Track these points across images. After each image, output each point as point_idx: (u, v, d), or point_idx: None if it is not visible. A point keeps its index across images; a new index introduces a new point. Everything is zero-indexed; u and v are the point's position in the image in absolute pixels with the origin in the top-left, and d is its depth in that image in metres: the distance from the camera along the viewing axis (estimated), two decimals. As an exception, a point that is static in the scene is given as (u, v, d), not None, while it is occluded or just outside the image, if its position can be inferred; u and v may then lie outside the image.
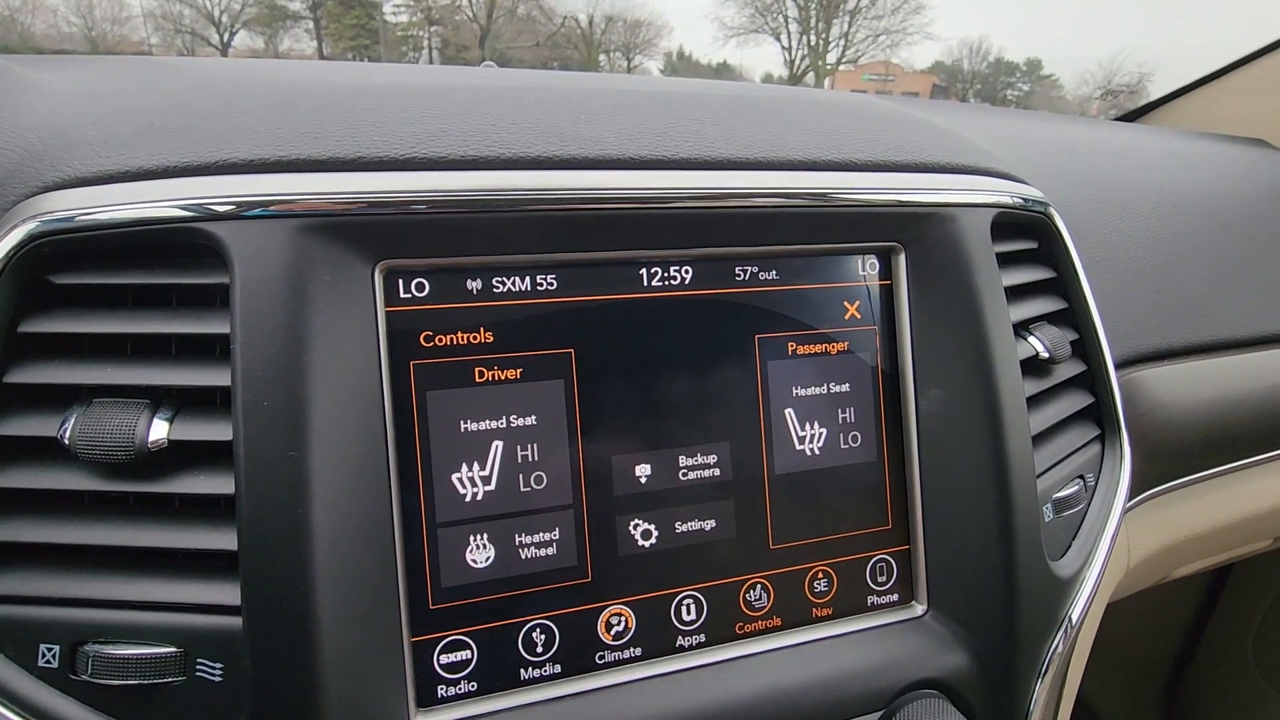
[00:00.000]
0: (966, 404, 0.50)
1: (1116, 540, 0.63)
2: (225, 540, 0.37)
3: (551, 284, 0.45)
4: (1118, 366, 0.66)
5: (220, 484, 0.37)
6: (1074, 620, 0.53)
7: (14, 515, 0.38)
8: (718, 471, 0.48)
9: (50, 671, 0.36)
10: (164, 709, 0.36)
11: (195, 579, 0.37)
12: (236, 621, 0.36)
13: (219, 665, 0.36)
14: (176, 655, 0.36)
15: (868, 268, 0.52)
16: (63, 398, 0.39)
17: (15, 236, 0.38)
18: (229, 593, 0.36)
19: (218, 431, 0.37)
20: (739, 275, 0.49)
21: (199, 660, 0.36)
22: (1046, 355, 0.56)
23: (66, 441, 0.37)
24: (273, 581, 0.36)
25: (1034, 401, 0.55)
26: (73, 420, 0.37)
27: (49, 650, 0.36)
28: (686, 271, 0.48)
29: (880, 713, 0.47)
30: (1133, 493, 0.71)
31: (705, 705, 0.45)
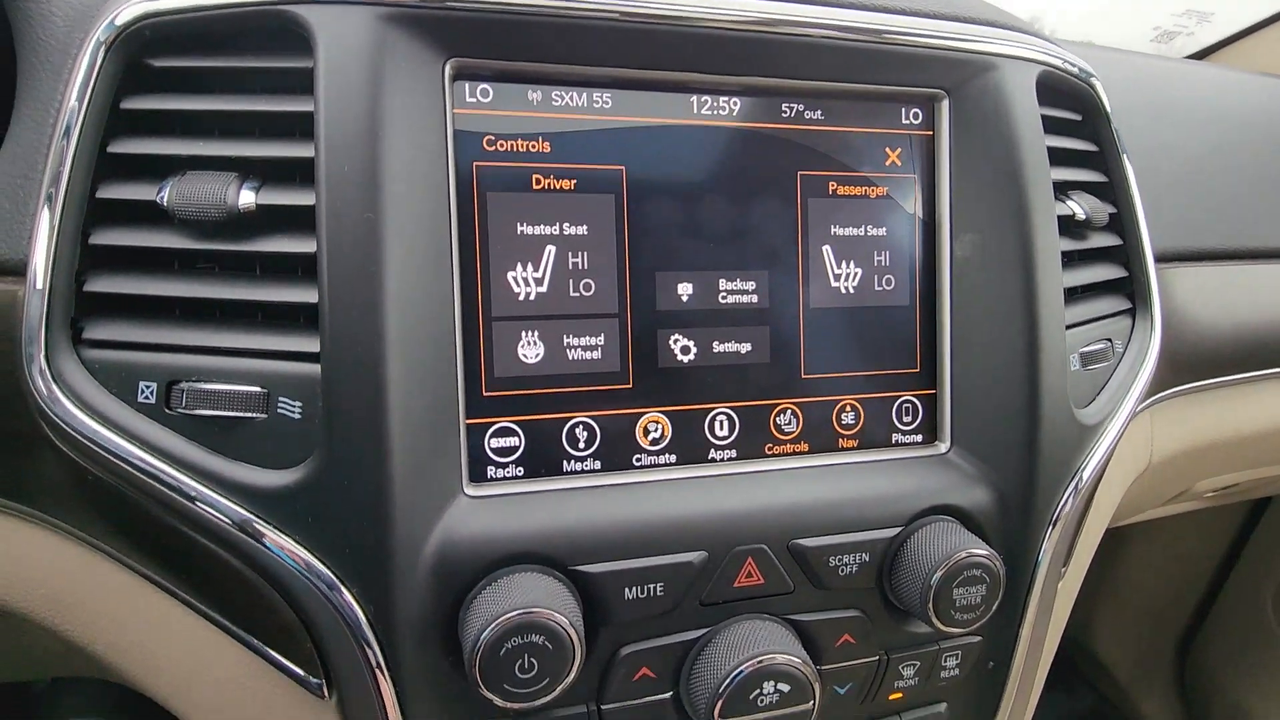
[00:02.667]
0: (1001, 248, 0.52)
1: (1140, 411, 0.65)
2: (306, 294, 0.40)
3: (606, 102, 0.47)
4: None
5: (303, 244, 0.40)
6: (1085, 478, 0.54)
7: (118, 270, 0.42)
8: (755, 298, 0.51)
9: (149, 406, 0.40)
10: (248, 442, 0.40)
11: (278, 330, 0.41)
12: (315, 368, 0.40)
13: (298, 404, 0.40)
14: (260, 395, 0.40)
15: (910, 117, 0.53)
16: (159, 170, 0.42)
17: (123, 17, 0.41)
18: (309, 342, 0.40)
19: (301, 198, 0.41)
20: (785, 112, 0.51)
21: (280, 399, 0.40)
22: (1083, 217, 0.57)
23: (165, 204, 0.41)
24: (349, 332, 0.39)
25: (1067, 260, 0.56)
26: (169, 186, 0.41)
27: (148, 387, 0.40)
28: (734, 103, 0.50)
29: (900, 529, 0.50)
30: (1158, 388, 0.72)
31: (735, 509, 0.48)
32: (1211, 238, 0.75)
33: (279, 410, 0.40)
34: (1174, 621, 1.80)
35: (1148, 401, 0.71)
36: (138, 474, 0.39)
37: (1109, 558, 1.78)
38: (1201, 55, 1.35)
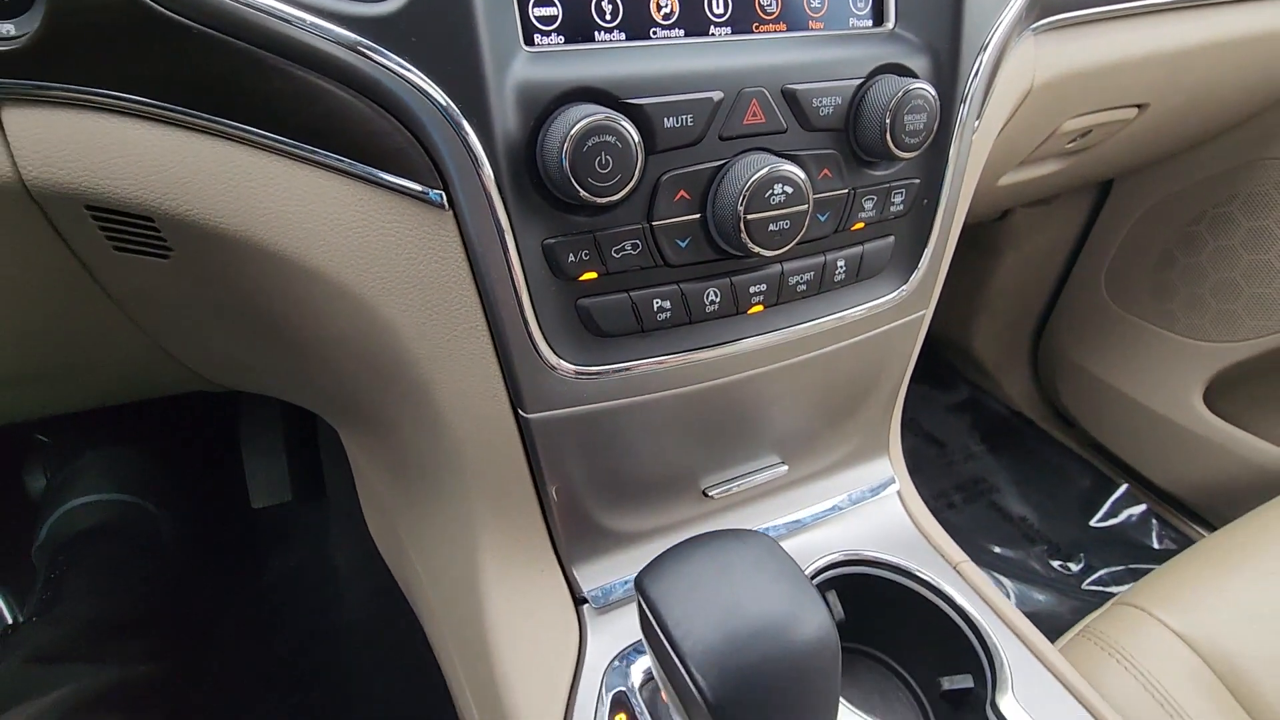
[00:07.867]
0: None
1: (1025, 38, 0.79)
2: None
3: None
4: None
5: None
6: (995, 38, 0.69)
7: None
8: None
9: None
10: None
11: None
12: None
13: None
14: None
15: None
16: None
17: None
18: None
19: None
20: None
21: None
22: None
23: None
24: None
25: None
26: None
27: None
28: None
29: (862, 79, 0.62)
30: (1041, 15, 0.86)
31: (740, 64, 0.58)
32: None
33: (368, -54, 0.45)
34: (1031, 315, 2.18)
35: (1034, 26, 0.85)
36: (249, 10, 0.44)
37: (983, 273, 2.10)
38: None
